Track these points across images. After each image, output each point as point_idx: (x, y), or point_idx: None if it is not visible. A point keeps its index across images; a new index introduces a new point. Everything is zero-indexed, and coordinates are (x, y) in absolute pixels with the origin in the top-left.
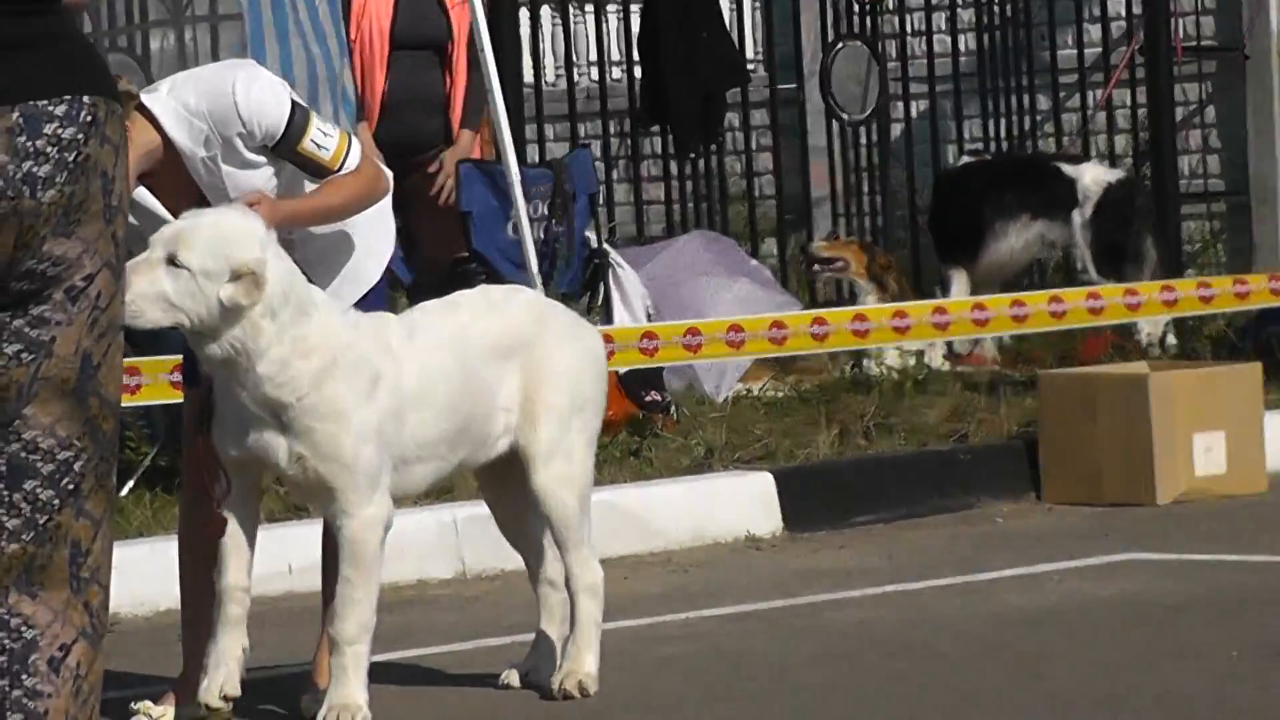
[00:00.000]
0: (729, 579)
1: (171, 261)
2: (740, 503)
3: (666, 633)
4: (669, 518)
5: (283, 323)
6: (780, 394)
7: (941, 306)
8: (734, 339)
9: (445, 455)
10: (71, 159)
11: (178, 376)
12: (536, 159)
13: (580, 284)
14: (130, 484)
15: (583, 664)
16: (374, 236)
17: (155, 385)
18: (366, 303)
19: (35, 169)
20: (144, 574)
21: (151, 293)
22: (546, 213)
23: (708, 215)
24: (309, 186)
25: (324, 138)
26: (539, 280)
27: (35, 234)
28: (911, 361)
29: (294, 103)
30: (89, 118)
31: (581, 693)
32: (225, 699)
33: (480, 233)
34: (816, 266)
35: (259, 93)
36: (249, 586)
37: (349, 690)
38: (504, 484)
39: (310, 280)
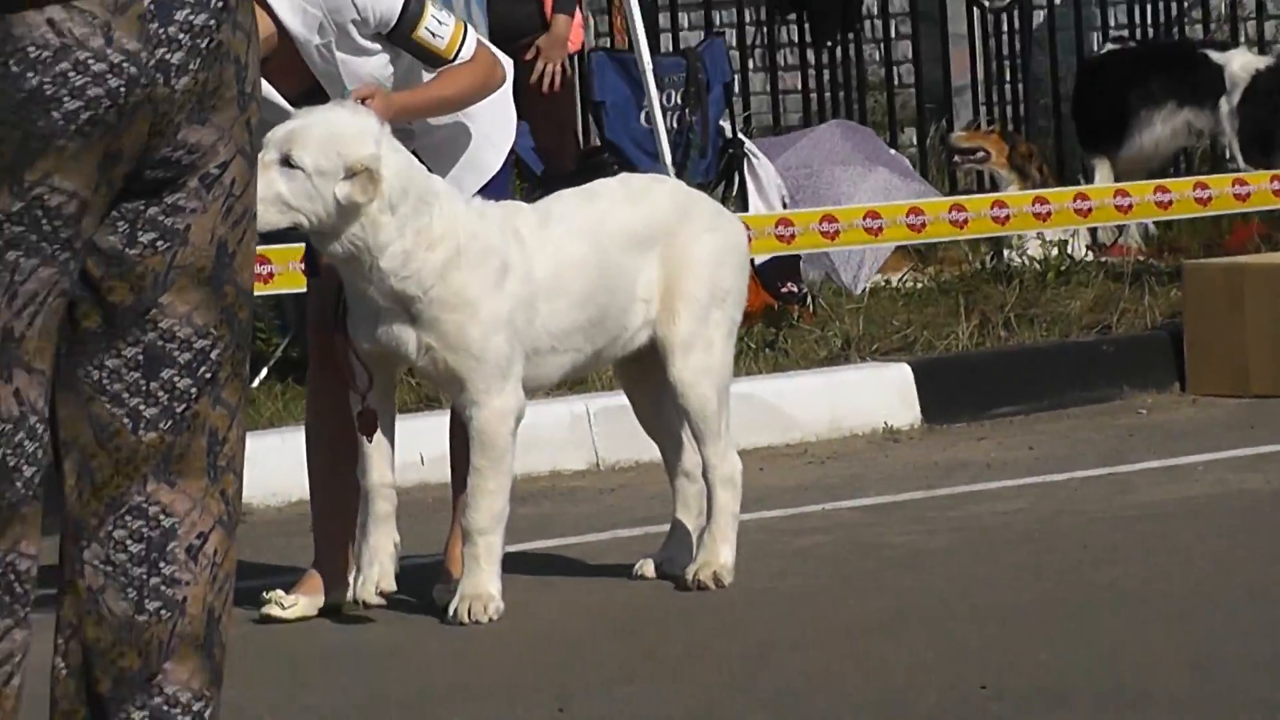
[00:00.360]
0: (866, 471)
1: (285, 162)
2: (878, 394)
3: (803, 524)
4: (805, 409)
5: (403, 216)
6: (919, 285)
7: (1083, 193)
8: (872, 226)
9: (581, 346)
10: (204, 45)
11: None
12: (670, 48)
13: (715, 174)
14: (262, 375)
15: (718, 555)
16: (493, 125)
17: (286, 273)
18: (488, 192)
19: (169, 56)
20: (275, 465)
21: (268, 195)
22: (680, 102)
23: (845, 104)
24: (426, 76)
25: (439, 26)
26: (672, 170)
27: (170, 122)
28: (1054, 252)
29: None
30: (220, 3)
31: (717, 583)
32: (382, 594)
33: (613, 122)
34: (957, 157)
35: None
36: (394, 482)
37: (481, 580)
38: (642, 375)
39: (430, 171)
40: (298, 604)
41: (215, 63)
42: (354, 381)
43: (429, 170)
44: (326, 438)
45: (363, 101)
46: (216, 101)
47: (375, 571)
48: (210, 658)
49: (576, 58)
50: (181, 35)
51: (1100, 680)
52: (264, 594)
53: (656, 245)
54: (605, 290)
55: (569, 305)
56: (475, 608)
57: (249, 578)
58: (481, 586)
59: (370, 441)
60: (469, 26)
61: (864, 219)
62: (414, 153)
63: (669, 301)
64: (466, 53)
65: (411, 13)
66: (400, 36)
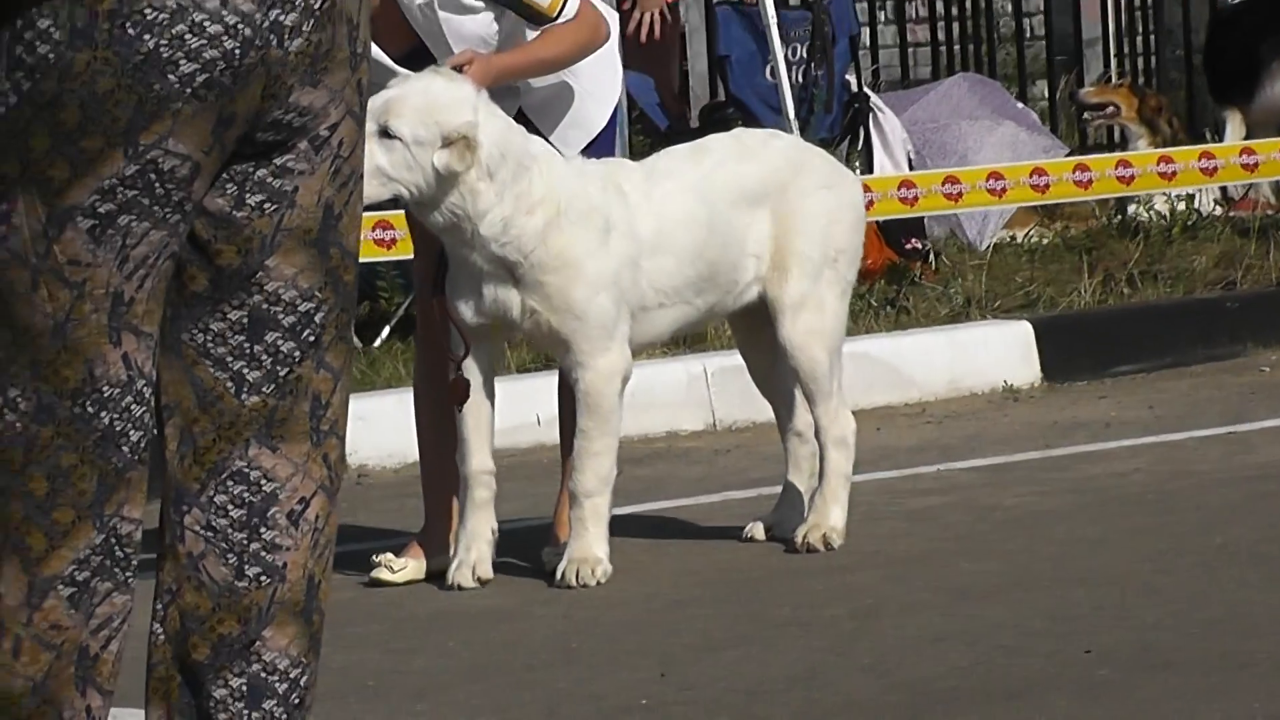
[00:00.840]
0: (984, 430)
1: (384, 133)
2: (998, 353)
3: (918, 485)
4: (924, 368)
5: (502, 182)
6: (1045, 241)
7: (1209, 151)
8: (995, 187)
9: (691, 300)
10: (318, 6)
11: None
12: (797, 1)
13: (840, 129)
14: (384, 334)
15: (828, 517)
16: (597, 82)
17: (408, 239)
18: (595, 149)
19: (282, 17)
20: (393, 425)
21: (368, 167)
22: (805, 56)
23: (975, 57)
24: (530, 35)
25: None
26: (796, 125)
27: (283, 84)
28: (1180, 206)
29: None
30: None
31: (826, 546)
32: (479, 581)
33: (737, 77)
34: (1086, 113)
35: None
36: (493, 468)
37: (588, 543)
38: (757, 333)
39: (534, 130)
40: (407, 567)
41: (328, 24)
42: (451, 350)
43: (532, 131)
44: (432, 403)
45: (460, 68)
46: (329, 63)
47: (472, 556)
48: (309, 624)
49: (700, 6)
50: None
51: (1206, 643)
52: (373, 558)
53: (768, 201)
54: (715, 246)
55: (677, 261)
56: (583, 571)
57: (362, 540)
58: (589, 549)
59: (461, 410)
60: None
61: (987, 180)
62: (519, 111)
63: (780, 259)
64: (570, 10)
65: None
66: None
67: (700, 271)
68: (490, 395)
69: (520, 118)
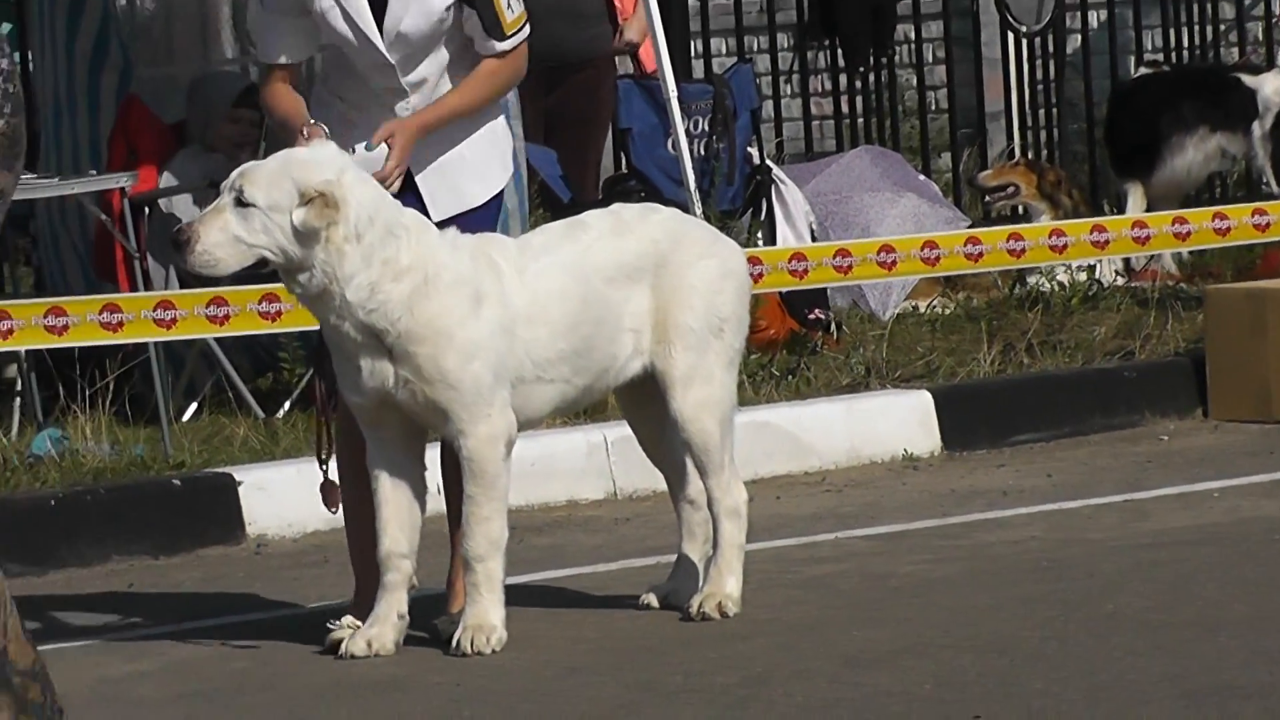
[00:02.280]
0: (883, 499)
1: (239, 202)
2: (898, 422)
3: (815, 553)
4: (825, 437)
5: (369, 245)
6: (946, 311)
7: (1101, 225)
8: (886, 260)
9: (569, 378)
10: (12, 90)
11: None
12: (703, 74)
13: (742, 201)
14: (286, 406)
15: (723, 586)
16: (488, 160)
17: (297, 311)
18: (469, 222)
19: None
20: (293, 495)
21: (224, 238)
22: (707, 129)
23: (879, 130)
24: (481, 44)
25: (517, 2)
26: (697, 197)
27: None
28: (1081, 277)
29: None
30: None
31: (721, 614)
32: (373, 651)
33: (639, 149)
34: (988, 196)
35: None
36: (406, 551)
37: (483, 610)
38: (643, 404)
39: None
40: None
41: (21, 112)
42: (317, 450)
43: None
44: (352, 477)
45: (386, 141)
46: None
47: (374, 633)
48: (11, 688)
49: None
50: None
51: (1093, 710)
52: (328, 624)
53: (646, 275)
54: (589, 321)
55: (551, 333)
56: (478, 639)
57: (261, 609)
58: (484, 617)
59: (334, 513)
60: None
61: (878, 253)
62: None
63: (663, 332)
64: (517, 39)
65: None
66: None
67: (575, 346)
68: (410, 475)
69: (408, 179)
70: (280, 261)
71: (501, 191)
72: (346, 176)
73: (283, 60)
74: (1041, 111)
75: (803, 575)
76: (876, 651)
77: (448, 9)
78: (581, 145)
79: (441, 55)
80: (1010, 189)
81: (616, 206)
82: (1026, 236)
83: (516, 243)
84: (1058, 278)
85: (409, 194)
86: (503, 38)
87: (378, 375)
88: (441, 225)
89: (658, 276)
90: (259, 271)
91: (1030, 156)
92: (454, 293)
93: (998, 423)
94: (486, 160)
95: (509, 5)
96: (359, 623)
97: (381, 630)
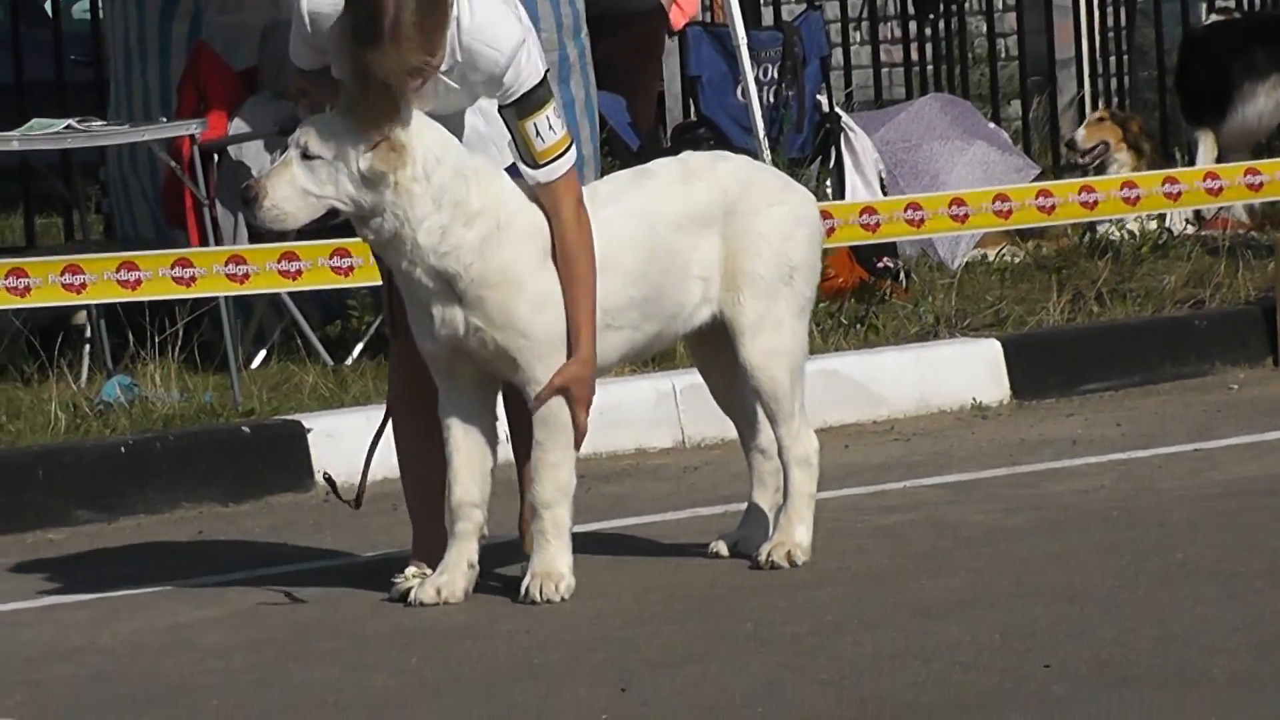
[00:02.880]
0: (952, 448)
1: (305, 155)
2: (967, 371)
3: (884, 502)
4: (894, 386)
5: (439, 186)
6: (1015, 260)
7: (1172, 176)
8: (957, 213)
9: (638, 325)
10: None
11: None
12: (772, 21)
13: (811, 149)
14: (355, 353)
15: (793, 534)
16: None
17: (367, 266)
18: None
19: None
20: (361, 444)
21: (291, 192)
22: (776, 77)
23: (949, 78)
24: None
25: (548, 129)
26: (766, 145)
27: None
28: (1151, 226)
29: (545, 76)
30: None
31: (790, 563)
32: (442, 599)
33: (709, 97)
34: (1084, 158)
35: (527, 61)
36: (478, 500)
37: (550, 557)
38: (714, 353)
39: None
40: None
41: None
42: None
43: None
44: (408, 426)
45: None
46: None
47: (444, 580)
48: None
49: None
50: None
51: (1163, 659)
52: (392, 578)
53: (715, 223)
54: (657, 268)
55: (621, 281)
56: (545, 587)
57: (330, 558)
58: (551, 564)
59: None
60: (575, 143)
61: (949, 206)
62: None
63: (732, 280)
64: (560, 167)
65: (534, 98)
66: (510, 115)
67: (644, 293)
68: (482, 424)
69: None
70: (350, 210)
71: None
72: (411, 121)
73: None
74: (1112, 59)
75: (872, 524)
76: (946, 601)
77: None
78: (631, 95)
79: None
80: (1100, 147)
81: (684, 154)
82: (1098, 189)
83: (584, 191)
84: (1127, 226)
85: None
86: (534, 162)
87: (449, 323)
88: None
89: (726, 224)
90: (328, 224)
91: (1112, 109)
92: (527, 242)
93: (1067, 372)
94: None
95: (538, 134)
96: (426, 569)
97: (451, 578)
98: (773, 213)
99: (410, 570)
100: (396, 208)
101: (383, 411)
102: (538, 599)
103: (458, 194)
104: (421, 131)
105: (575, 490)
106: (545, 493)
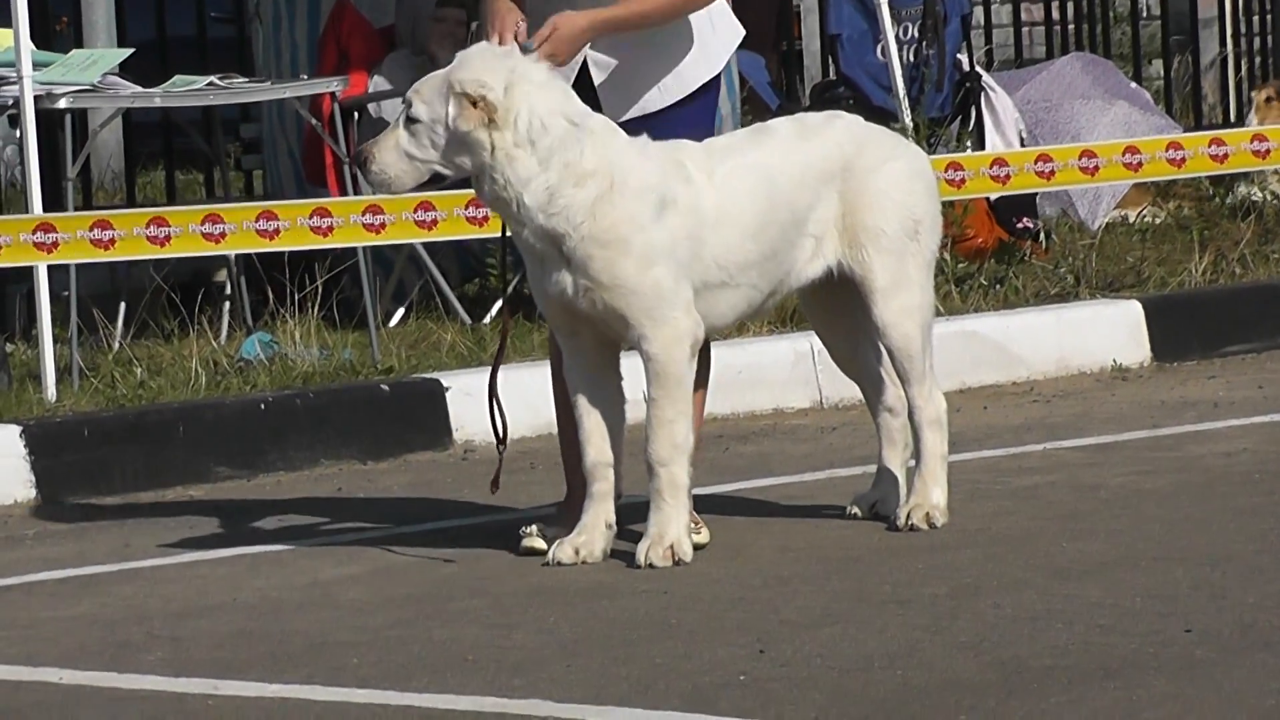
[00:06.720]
0: (1091, 410)
1: (409, 119)
2: (1107, 332)
3: (1023, 464)
4: (1033, 347)
5: (547, 149)
6: (1157, 220)
7: None
8: (1087, 165)
9: (755, 283)
10: None
11: None
12: None
13: (950, 108)
14: (493, 311)
15: (929, 496)
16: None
17: (450, 220)
18: (690, 111)
19: None
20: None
21: (394, 157)
22: (916, 35)
23: (1089, 37)
24: None
25: None
26: (906, 104)
27: None
28: None
29: None
30: None
31: (929, 524)
32: (581, 558)
33: (849, 55)
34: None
35: None
36: (610, 460)
37: (665, 518)
38: (832, 313)
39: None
40: (549, 536)
41: None
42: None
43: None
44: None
45: (539, 44)
46: None
47: (582, 540)
48: None
49: None
50: None
51: None
52: (521, 529)
53: (833, 180)
54: (776, 223)
55: (740, 235)
56: (653, 553)
57: (467, 515)
58: (665, 526)
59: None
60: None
61: (1080, 158)
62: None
63: (853, 237)
64: None
65: None
66: None
67: (762, 249)
68: (608, 384)
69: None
70: (452, 173)
71: (717, 80)
72: (516, 82)
73: None
74: (1255, 18)
75: (1011, 486)
76: (1087, 563)
77: None
78: (768, 54)
79: None
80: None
81: (801, 114)
82: (1228, 142)
83: (702, 146)
84: (1270, 188)
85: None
86: None
87: (559, 284)
88: (633, 130)
89: (844, 181)
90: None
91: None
92: (640, 199)
93: (1209, 333)
94: (705, 40)
95: None
96: (550, 531)
97: (590, 538)
98: (889, 168)
99: (534, 528)
100: (496, 170)
101: (520, 369)
102: (656, 564)
103: (569, 154)
104: (524, 91)
105: (712, 451)
106: (660, 450)
